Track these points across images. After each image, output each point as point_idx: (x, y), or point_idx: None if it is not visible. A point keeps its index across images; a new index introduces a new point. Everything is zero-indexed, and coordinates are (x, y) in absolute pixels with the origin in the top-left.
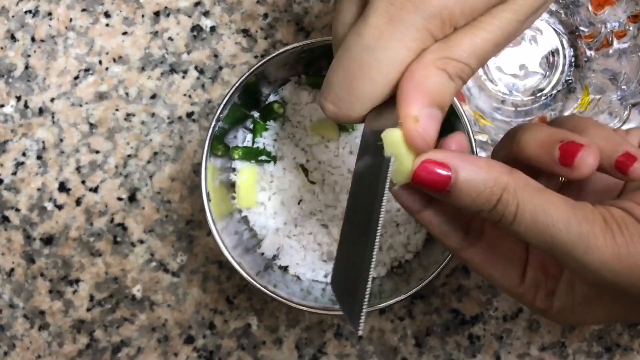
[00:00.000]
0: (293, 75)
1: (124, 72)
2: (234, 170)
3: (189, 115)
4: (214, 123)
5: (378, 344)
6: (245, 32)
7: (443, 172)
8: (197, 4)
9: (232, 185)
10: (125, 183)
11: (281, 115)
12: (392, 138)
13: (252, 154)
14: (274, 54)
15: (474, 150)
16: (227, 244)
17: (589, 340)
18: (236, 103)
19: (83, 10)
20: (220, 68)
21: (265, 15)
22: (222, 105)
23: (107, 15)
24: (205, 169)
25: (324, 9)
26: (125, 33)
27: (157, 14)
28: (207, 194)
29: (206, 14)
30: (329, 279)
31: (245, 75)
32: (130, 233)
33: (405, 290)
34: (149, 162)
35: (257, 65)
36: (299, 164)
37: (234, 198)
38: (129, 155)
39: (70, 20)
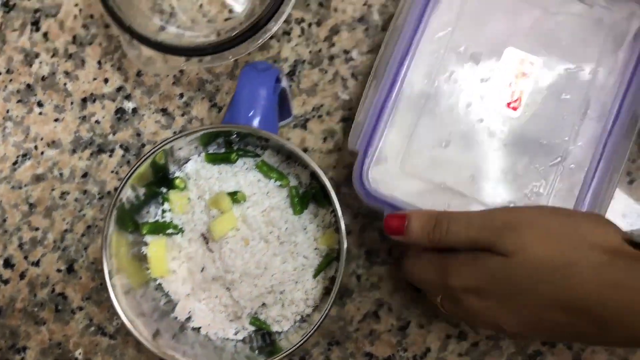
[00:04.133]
0: (194, 154)
1: (57, 155)
2: (146, 243)
3: (117, 190)
4: (110, 210)
5: None
6: (164, 111)
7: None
8: (119, 89)
9: (145, 256)
10: (63, 256)
11: (183, 190)
12: None
13: (160, 228)
14: (170, 138)
15: (342, 225)
16: (145, 310)
17: None
18: (147, 181)
19: (18, 101)
20: (143, 145)
21: (181, 95)
22: (119, 191)
23: (40, 104)
24: (106, 249)
25: (233, 86)
26: (57, 120)
27: (84, 100)
28: (109, 272)
29: (128, 97)
30: (239, 336)
31: (138, 163)
32: (70, 301)
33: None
34: (83, 235)
35: (148, 154)
36: (201, 234)
37: (148, 268)
38: (65, 230)
39: (7, 111)
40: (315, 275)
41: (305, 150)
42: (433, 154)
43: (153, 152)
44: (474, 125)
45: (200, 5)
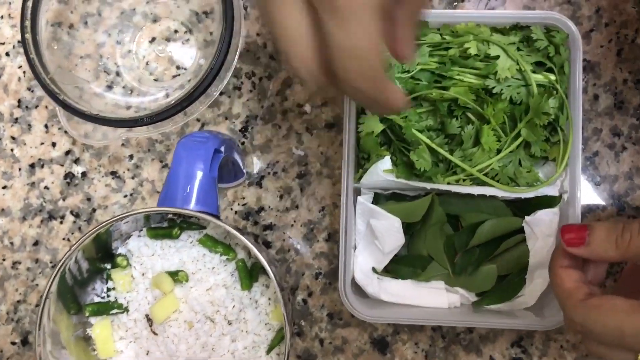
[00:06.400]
0: (135, 229)
1: (7, 223)
2: (90, 324)
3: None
4: (43, 303)
5: None
6: (114, 174)
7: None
8: (67, 153)
9: (91, 338)
10: (17, 328)
11: (126, 268)
12: None
13: (104, 309)
14: (108, 221)
15: (282, 307)
16: None
17: None
18: (89, 257)
19: None
20: (94, 210)
21: (131, 157)
22: (52, 279)
23: None
24: (42, 343)
25: None
26: (5, 187)
27: (32, 165)
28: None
29: (76, 161)
30: None
31: (72, 250)
32: None
33: None
34: (37, 305)
35: (84, 236)
36: (145, 315)
37: (95, 349)
38: (18, 301)
39: None
40: (268, 352)
41: (261, 209)
42: None
43: (87, 236)
44: None
45: (147, 63)
